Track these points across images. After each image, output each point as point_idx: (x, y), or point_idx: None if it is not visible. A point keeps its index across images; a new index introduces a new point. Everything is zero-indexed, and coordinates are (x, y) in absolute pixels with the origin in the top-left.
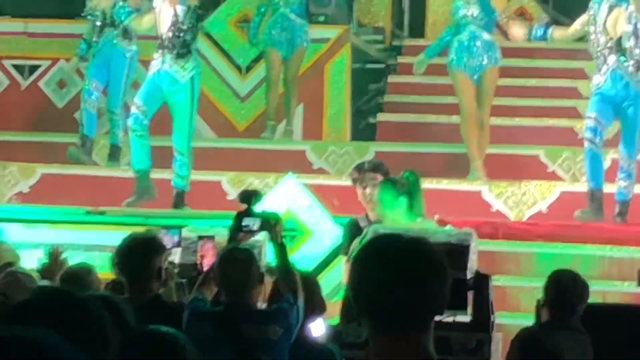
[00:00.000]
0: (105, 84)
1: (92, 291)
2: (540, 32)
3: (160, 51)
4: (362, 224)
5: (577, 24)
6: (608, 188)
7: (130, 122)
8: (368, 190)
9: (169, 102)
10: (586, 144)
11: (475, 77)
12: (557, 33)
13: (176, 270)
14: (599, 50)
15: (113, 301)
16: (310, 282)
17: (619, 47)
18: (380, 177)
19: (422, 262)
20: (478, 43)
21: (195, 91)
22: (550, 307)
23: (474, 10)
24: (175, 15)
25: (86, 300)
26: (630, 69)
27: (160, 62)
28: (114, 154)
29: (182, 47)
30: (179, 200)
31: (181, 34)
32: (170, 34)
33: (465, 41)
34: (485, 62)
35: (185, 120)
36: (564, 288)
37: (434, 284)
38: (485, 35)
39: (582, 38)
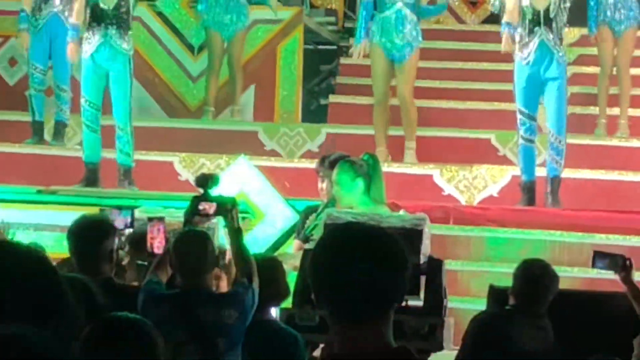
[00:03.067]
0: (48, 64)
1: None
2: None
3: (99, 27)
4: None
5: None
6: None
7: (83, 117)
8: (324, 186)
9: (110, 78)
10: (520, 140)
11: (397, 56)
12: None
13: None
14: (525, 23)
15: (84, 283)
16: (273, 267)
17: (545, 20)
18: None
19: (384, 252)
20: (404, 22)
21: (132, 65)
22: (517, 296)
23: None
24: None
25: (59, 282)
26: (555, 41)
27: (100, 38)
28: (59, 131)
29: (125, 22)
30: (126, 177)
31: (126, 9)
32: (115, 10)
33: (391, 19)
34: (409, 41)
35: (126, 94)
36: (533, 278)
37: (395, 274)
38: (411, 15)
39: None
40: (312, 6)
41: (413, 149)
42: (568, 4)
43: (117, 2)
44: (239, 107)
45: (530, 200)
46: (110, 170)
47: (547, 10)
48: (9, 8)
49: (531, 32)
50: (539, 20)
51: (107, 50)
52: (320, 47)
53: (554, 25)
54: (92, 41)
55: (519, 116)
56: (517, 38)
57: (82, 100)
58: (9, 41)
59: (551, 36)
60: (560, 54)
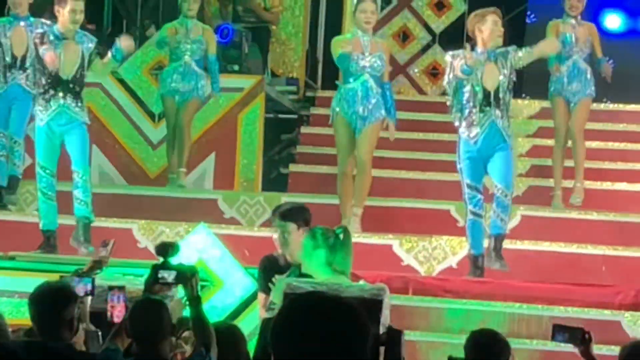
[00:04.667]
0: (6, 127)
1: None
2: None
3: (56, 95)
4: (280, 262)
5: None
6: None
7: (38, 184)
8: (275, 236)
9: (66, 140)
10: (470, 215)
11: (360, 125)
12: None
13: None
14: (476, 103)
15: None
16: (235, 336)
17: (495, 100)
18: (292, 226)
19: (344, 322)
20: (370, 93)
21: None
22: None
23: (370, 61)
24: (82, 57)
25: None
26: (504, 120)
27: (56, 107)
28: (13, 185)
29: (81, 88)
30: (84, 234)
31: (84, 75)
32: (76, 75)
33: (357, 91)
34: (373, 111)
35: (85, 147)
36: (482, 347)
37: (356, 344)
38: (377, 87)
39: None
40: (273, 75)
41: (359, 215)
42: (514, 79)
43: (75, 72)
44: (184, 170)
45: (480, 273)
46: (68, 236)
47: (497, 90)
48: None
49: (481, 111)
50: (489, 100)
51: (63, 118)
52: (281, 115)
53: (502, 103)
54: (48, 109)
55: (466, 190)
56: (466, 114)
57: (38, 167)
58: None
59: (500, 114)
60: (508, 132)
